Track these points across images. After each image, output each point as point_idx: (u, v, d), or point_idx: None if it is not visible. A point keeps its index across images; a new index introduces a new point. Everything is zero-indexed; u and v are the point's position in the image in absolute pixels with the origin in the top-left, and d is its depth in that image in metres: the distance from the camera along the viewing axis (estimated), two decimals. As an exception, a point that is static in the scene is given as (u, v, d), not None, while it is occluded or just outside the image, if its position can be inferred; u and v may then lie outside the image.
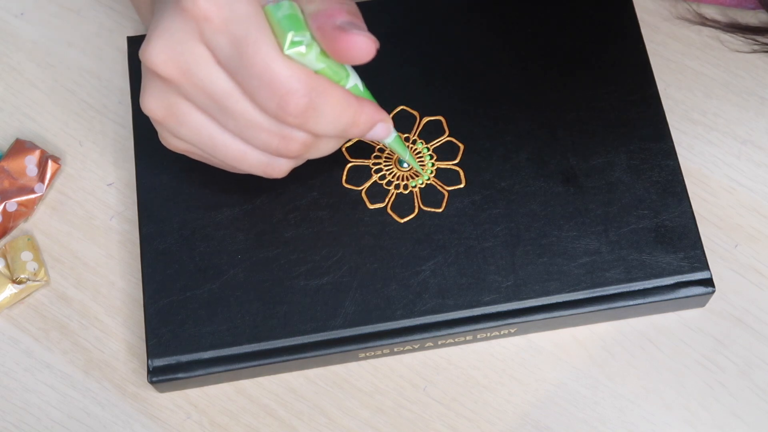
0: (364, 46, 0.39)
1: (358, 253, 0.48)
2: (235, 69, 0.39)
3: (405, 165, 0.50)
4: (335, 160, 0.50)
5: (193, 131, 0.43)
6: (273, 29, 0.39)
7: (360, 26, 0.39)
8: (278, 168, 0.45)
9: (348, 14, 0.39)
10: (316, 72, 0.40)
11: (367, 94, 0.44)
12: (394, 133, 0.46)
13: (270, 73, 0.39)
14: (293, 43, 0.39)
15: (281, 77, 0.39)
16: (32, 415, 0.49)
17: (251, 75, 0.39)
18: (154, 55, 0.40)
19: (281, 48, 0.39)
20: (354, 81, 0.43)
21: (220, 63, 0.40)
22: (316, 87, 0.40)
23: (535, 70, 0.52)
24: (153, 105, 0.42)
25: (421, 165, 0.50)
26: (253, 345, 0.47)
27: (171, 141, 0.44)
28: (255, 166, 0.44)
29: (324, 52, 0.40)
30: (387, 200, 0.49)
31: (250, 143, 0.43)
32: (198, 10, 0.39)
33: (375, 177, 0.50)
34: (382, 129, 0.44)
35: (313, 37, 0.40)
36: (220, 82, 0.40)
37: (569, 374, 0.49)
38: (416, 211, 0.49)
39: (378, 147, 0.51)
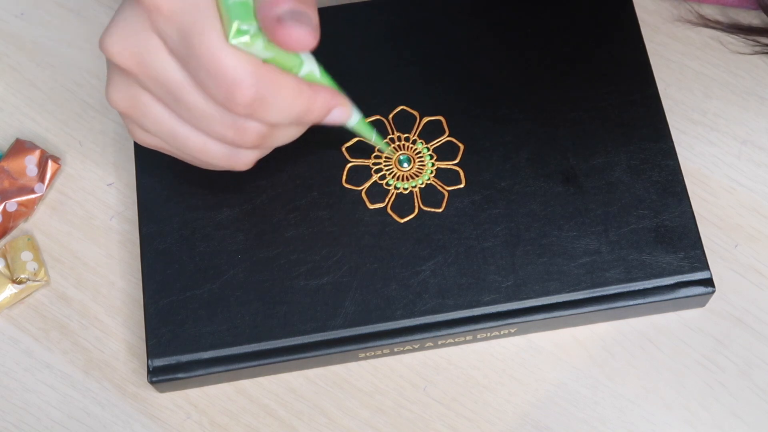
0: (301, 37, 0.38)
1: (358, 253, 0.48)
2: (185, 59, 0.39)
3: (405, 165, 0.50)
4: (335, 160, 0.50)
5: (156, 123, 0.42)
6: (222, 18, 0.38)
7: (304, 14, 0.38)
8: (242, 159, 0.44)
9: (293, 1, 0.38)
10: (265, 61, 0.39)
11: (325, 79, 0.43)
12: (356, 116, 0.45)
13: (216, 63, 0.38)
14: (238, 32, 0.38)
15: (227, 68, 0.38)
16: (32, 415, 0.49)
17: (199, 65, 0.39)
18: (109, 44, 0.40)
19: (227, 38, 0.38)
20: (309, 68, 0.42)
21: (172, 53, 0.39)
22: (264, 77, 0.39)
23: (535, 70, 0.52)
24: (116, 97, 0.42)
25: (421, 165, 0.50)
26: (253, 345, 0.47)
27: (138, 134, 0.44)
28: (218, 158, 0.43)
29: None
30: (387, 200, 0.49)
31: (208, 135, 0.42)
32: (149, 0, 0.38)
33: (375, 177, 0.50)
34: (339, 113, 0.44)
35: (260, 27, 0.39)
36: (172, 72, 0.40)
37: (569, 374, 0.49)
38: (416, 211, 0.49)
39: (378, 147, 0.51)
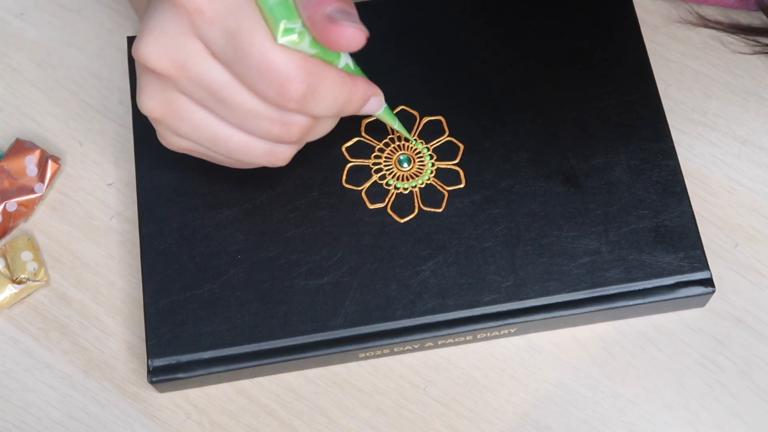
0: (353, 37, 0.39)
1: (358, 253, 0.48)
2: (231, 61, 0.39)
3: (405, 165, 0.50)
4: (335, 160, 0.50)
5: (194, 127, 0.42)
6: (265, 18, 0.39)
7: (350, 13, 0.39)
8: (281, 155, 0.44)
9: (338, 1, 0.39)
10: (312, 56, 0.40)
11: (357, 70, 0.44)
12: (384, 105, 0.47)
13: (267, 62, 0.39)
14: (286, 31, 0.39)
15: (278, 65, 0.39)
16: (32, 415, 0.49)
17: (248, 66, 0.39)
18: (147, 52, 0.40)
19: (274, 37, 0.39)
20: (345, 60, 0.43)
21: (215, 55, 0.40)
22: (313, 71, 0.40)
23: (535, 70, 0.52)
24: (151, 104, 0.42)
25: (421, 165, 0.50)
26: (253, 345, 0.47)
27: (171, 139, 0.44)
28: (258, 155, 0.44)
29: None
30: (387, 200, 0.50)
31: (252, 133, 0.42)
32: (190, 4, 0.38)
33: (375, 177, 0.50)
34: (374, 102, 0.45)
35: (304, 24, 0.39)
36: (216, 74, 0.40)
37: (569, 374, 0.49)
38: (416, 211, 0.49)
39: (378, 147, 0.51)
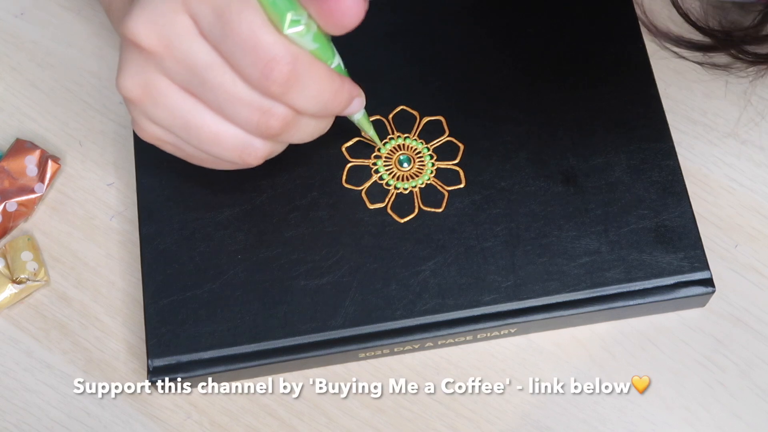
0: (352, 6, 0.38)
1: (358, 253, 0.48)
2: (219, 39, 0.39)
3: (405, 165, 0.50)
4: (335, 160, 0.50)
5: (168, 111, 0.42)
6: (265, 9, 0.39)
7: None
8: (254, 152, 0.44)
9: None
10: (311, 51, 0.40)
11: (345, 74, 0.44)
12: (363, 110, 0.47)
13: (254, 39, 0.39)
14: (293, 23, 0.39)
15: (266, 44, 0.39)
16: (32, 415, 0.49)
17: (235, 43, 0.39)
18: (136, 27, 0.40)
19: (280, 28, 0.39)
20: (338, 61, 0.43)
21: (203, 34, 0.39)
22: (301, 58, 0.40)
23: (535, 70, 0.52)
24: (129, 83, 0.42)
25: (421, 165, 0.50)
26: (253, 345, 0.47)
27: (144, 125, 0.43)
28: (230, 149, 0.43)
29: (319, 33, 0.40)
30: (387, 200, 0.50)
31: (230, 119, 0.42)
32: None
33: (375, 177, 0.50)
34: (357, 103, 0.45)
35: (309, 17, 0.39)
36: (202, 54, 0.40)
37: (569, 374, 0.49)
38: (416, 211, 0.49)
39: (378, 147, 0.51)
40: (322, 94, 0.41)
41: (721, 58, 0.54)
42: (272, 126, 0.42)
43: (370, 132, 0.49)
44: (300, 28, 0.39)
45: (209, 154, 0.44)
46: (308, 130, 0.44)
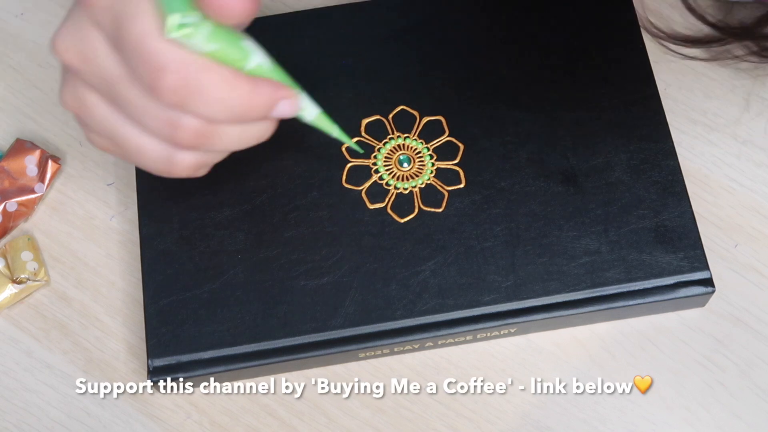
0: (232, 2, 0.37)
1: (358, 253, 0.48)
2: (119, 48, 0.38)
3: (405, 165, 0.50)
4: (335, 160, 0.50)
5: (101, 123, 0.41)
6: (160, 10, 0.37)
7: None
8: (180, 164, 0.41)
9: None
10: (207, 54, 0.38)
11: (277, 73, 0.41)
12: (313, 111, 0.44)
13: (142, 48, 0.37)
14: (180, 26, 0.37)
15: (153, 53, 0.37)
16: (32, 415, 0.49)
17: (129, 52, 0.37)
18: (57, 44, 0.39)
19: (164, 31, 0.37)
20: (257, 61, 0.40)
21: (111, 46, 0.38)
22: (192, 64, 0.37)
23: (535, 70, 0.52)
24: (68, 98, 0.41)
25: (421, 165, 0.50)
26: (253, 345, 0.47)
27: (91, 138, 0.43)
28: (155, 160, 0.41)
29: (217, 32, 0.38)
30: (387, 200, 0.50)
31: (147, 133, 0.40)
32: None
33: (375, 177, 0.50)
34: (286, 106, 0.41)
35: (203, 17, 0.37)
36: (111, 67, 0.39)
37: (569, 374, 0.49)
38: (416, 211, 0.49)
39: (378, 147, 0.51)
40: (227, 100, 0.38)
41: (723, 53, 0.54)
42: (184, 138, 0.40)
43: (334, 133, 0.46)
44: (187, 30, 0.37)
45: (140, 167, 0.43)
46: (234, 138, 0.41)
